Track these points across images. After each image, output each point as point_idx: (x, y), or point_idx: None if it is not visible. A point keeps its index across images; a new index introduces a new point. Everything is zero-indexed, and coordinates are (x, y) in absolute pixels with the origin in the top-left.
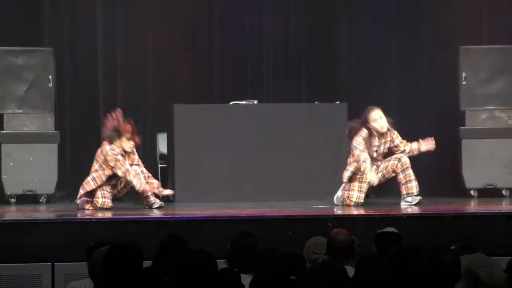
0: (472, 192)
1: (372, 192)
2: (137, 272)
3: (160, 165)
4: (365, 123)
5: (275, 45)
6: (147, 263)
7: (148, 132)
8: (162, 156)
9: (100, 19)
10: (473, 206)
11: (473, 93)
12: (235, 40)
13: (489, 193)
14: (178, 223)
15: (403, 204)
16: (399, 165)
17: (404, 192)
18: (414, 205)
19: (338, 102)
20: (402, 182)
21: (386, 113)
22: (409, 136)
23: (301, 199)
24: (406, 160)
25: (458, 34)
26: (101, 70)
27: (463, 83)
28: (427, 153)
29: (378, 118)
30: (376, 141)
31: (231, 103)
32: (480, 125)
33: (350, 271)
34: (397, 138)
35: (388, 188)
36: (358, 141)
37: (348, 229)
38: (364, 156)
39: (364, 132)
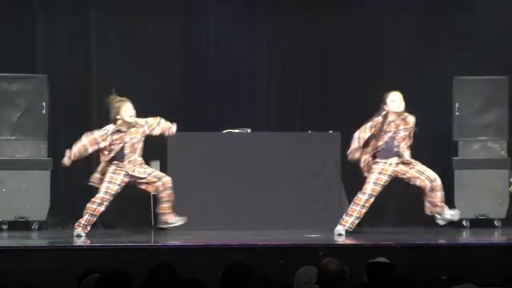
0: (464, 223)
1: (366, 221)
2: None
3: (153, 193)
4: (382, 107)
5: (269, 73)
6: None
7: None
8: None
9: (94, 46)
10: (465, 237)
11: (466, 123)
12: (230, 69)
13: (481, 223)
14: (169, 251)
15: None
16: (428, 184)
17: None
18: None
19: (331, 131)
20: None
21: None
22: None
23: (294, 228)
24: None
25: (453, 64)
26: (95, 97)
27: (456, 113)
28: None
29: (396, 100)
30: (392, 127)
31: (224, 131)
32: (473, 155)
33: None
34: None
35: (381, 217)
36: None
37: (340, 258)
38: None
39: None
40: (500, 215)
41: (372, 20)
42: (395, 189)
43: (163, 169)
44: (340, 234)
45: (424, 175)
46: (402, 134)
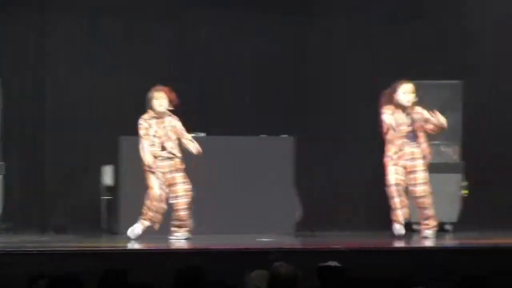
0: (414, 226)
1: (318, 225)
2: None
3: (105, 198)
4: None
5: (223, 78)
6: None
7: (94, 164)
8: (107, 188)
9: (48, 51)
10: (415, 240)
11: None
12: (188, 73)
13: None
14: (121, 255)
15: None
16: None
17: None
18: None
19: (284, 135)
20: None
21: (338, 142)
22: (359, 167)
23: (247, 232)
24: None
25: (407, 69)
26: (49, 100)
27: None
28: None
29: (408, 92)
30: (404, 118)
31: None
32: None
33: None
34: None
35: (332, 221)
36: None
37: (291, 262)
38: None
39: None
40: (451, 219)
41: (328, 25)
42: (348, 193)
43: (115, 173)
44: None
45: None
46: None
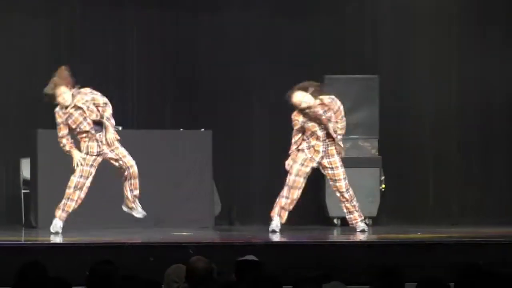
0: (335, 221)
1: (237, 219)
2: None
3: (23, 191)
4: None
5: (140, 70)
6: None
7: (12, 157)
8: (25, 181)
9: None
10: (335, 235)
11: None
12: (100, 66)
13: None
14: (38, 249)
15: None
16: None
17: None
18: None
19: (203, 129)
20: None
21: (252, 141)
22: (275, 163)
23: (164, 226)
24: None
25: (322, 64)
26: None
27: None
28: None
29: (302, 101)
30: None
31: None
32: (344, 154)
33: None
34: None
35: (253, 215)
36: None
37: (209, 256)
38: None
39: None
40: (371, 213)
41: (238, 21)
42: (267, 186)
43: (33, 166)
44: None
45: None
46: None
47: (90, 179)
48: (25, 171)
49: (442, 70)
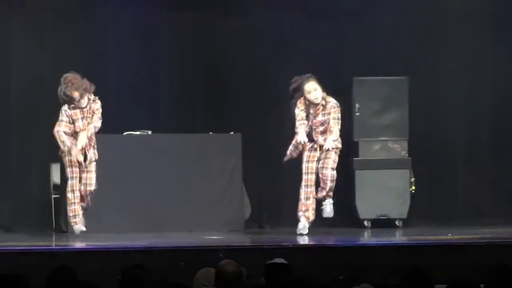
0: (365, 223)
1: (267, 222)
2: None
3: (53, 196)
4: (302, 93)
5: (171, 74)
6: None
7: (42, 162)
8: (55, 186)
9: None
10: (366, 237)
11: (366, 124)
12: (130, 69)
13: (383, 223)
14: (68, 254)
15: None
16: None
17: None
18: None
19: (232, 132)
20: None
21: (283, 144)
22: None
23: (196, 230)
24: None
25: (351, 66)
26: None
27: (357, 114)
28: None
29: (312, 90)
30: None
31: (125, 133)
32: (373, 156)
33: None
34: (334, 115)
35: (283, 218)
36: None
37: (239, 259)
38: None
39: (301, 102)
40: (401, 215)
41: (269, 24)
42: (296, 189)
43: (63, 171)
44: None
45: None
46: (321, 118)
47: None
48: (55, 176)
49: (473, 70)
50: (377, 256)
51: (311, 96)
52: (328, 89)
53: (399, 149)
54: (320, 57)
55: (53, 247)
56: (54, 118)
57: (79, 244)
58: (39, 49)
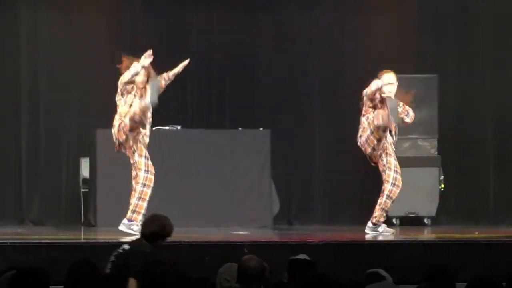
0: (394, 220)
1: (296, 218)
2: None
3: (82, 190)
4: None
5: (200, 70)
6: None
7: (71, 156)
8: (84, 180)
9: (24, 43)
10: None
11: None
12: (159, 65)
13: (412, 221)
14: (91, 248)
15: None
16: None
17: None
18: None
19: (261, 128)
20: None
21: (311, 141)
22: (331, 160)
23: (224, 225)
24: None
25: (381, 64)
26: (24, 92)
27: None
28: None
29: (392, 82)
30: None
31: (154, 128)
32: (403, 153)
33: None
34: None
35: (312, 215)
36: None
37: (264, 255)
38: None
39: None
40: (430, 213)
41: (298, 20)
42: (326, 185)
43: (92, 166)
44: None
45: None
46: None
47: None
48: (85, 171)
49: (503, 68)
50: (402, 254)
51: (386, 89)
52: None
53: (429, 147)
54: (349, 54)
55: (75, 241)
56: (85, 113)
57: (105, 238)
58: (68, 46)
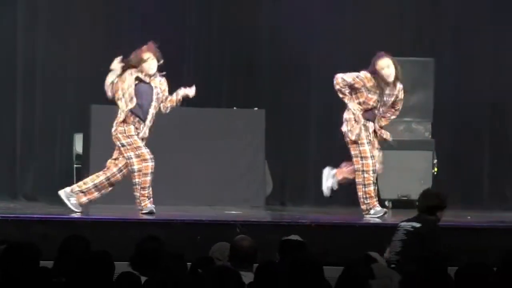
0: (386, 203)
1: (289, 199)
2: (33, 271)
3: (75, 165)
4: (373, 70)
5: (196, 48)
6: (49, 264)
7: (65, 132)
8: (78, 156)
9: (21, 18)
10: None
11: None
12: (157, 43)
13: (404, 204)
14: (84, 224)
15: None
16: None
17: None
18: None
19: (256, 108)
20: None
21: (311, 121)
22: (326, 142)
23: (217, 205)
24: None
25: (378, 46)
26: (20, 69)
27: None
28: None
29: (385, 67)
30: (387, 90)
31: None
32: (397, 136)
33: (251, 277)
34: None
35: (305, 196)
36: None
37: (256, 235)
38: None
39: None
40: None
41: (298, 1)
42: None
43: (85, 142)
44: None
45: None
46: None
47: None
48: (78, 146)
49: (500, 53)
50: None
51: (385, 72)
52: (355, 70)
53: (423, 130)
54: (347, 37)
55: (68, 217)
56: (80, 89)
57: (95, 215)
58: (64, 23)
